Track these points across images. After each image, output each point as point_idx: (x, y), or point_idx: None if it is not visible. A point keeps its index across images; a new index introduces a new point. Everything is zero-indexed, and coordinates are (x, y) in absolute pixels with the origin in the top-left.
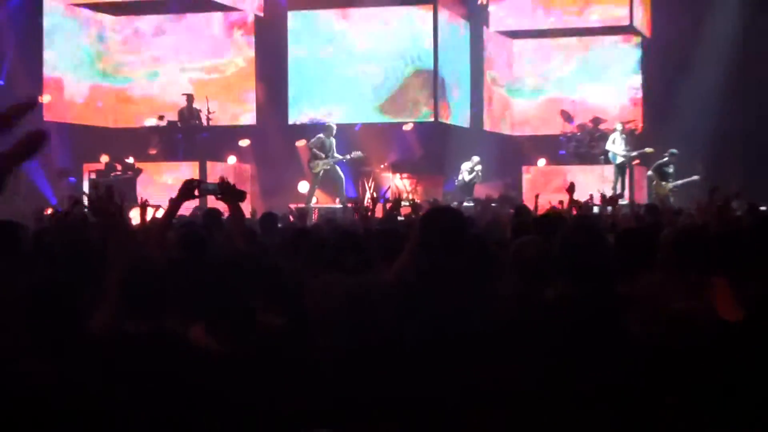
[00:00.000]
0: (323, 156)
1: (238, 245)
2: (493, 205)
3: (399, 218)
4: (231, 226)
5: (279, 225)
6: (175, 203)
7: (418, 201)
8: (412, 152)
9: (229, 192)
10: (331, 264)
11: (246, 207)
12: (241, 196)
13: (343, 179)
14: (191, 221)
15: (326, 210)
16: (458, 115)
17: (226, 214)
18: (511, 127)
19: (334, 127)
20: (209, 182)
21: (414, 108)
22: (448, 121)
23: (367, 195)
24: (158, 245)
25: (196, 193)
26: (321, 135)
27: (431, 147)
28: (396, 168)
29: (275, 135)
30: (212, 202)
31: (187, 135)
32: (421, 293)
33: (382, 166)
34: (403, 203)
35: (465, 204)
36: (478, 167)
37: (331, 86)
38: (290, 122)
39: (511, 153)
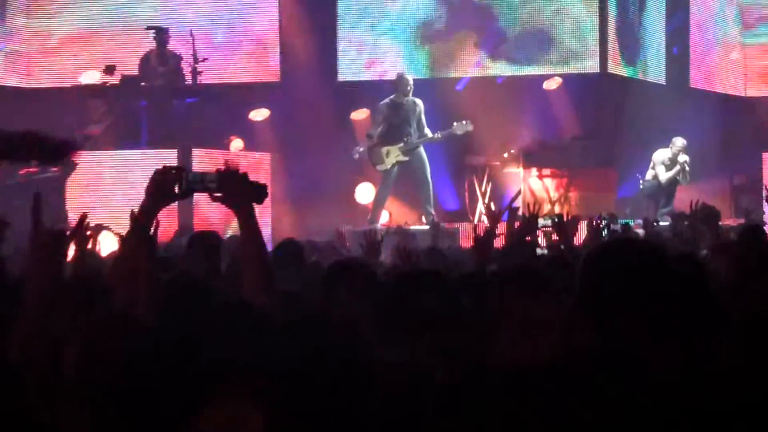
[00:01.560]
0: (397, 140)
1: (255, 296)
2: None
3: (537, 249)
4: (240, 255)
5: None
6: (146, 216)
7: (571, 216)
8: (559, 128)
9: (236, 186)
10: (417, 332)
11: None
12: (260, 193)
13: (429, 181)
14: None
15: (403, 234)
16: (646, 65)
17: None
18: (744, 86)
19: (410, 83)
20: (200, 172)
21: (559, 52)
22: (624, 74)
23: (480, 207)
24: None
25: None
26: (388, 101)
27: (595, 119)
28: (530, 158)
29: (314, 101)
30: (203, 209)
31: (157, 101)
32: (582, 390)
33: (505, 154)
34: (542, 222)
35: (661, 223)
36: (684, 158)
37: (404, 20)
38: (340, 79)
39: (743, 127)
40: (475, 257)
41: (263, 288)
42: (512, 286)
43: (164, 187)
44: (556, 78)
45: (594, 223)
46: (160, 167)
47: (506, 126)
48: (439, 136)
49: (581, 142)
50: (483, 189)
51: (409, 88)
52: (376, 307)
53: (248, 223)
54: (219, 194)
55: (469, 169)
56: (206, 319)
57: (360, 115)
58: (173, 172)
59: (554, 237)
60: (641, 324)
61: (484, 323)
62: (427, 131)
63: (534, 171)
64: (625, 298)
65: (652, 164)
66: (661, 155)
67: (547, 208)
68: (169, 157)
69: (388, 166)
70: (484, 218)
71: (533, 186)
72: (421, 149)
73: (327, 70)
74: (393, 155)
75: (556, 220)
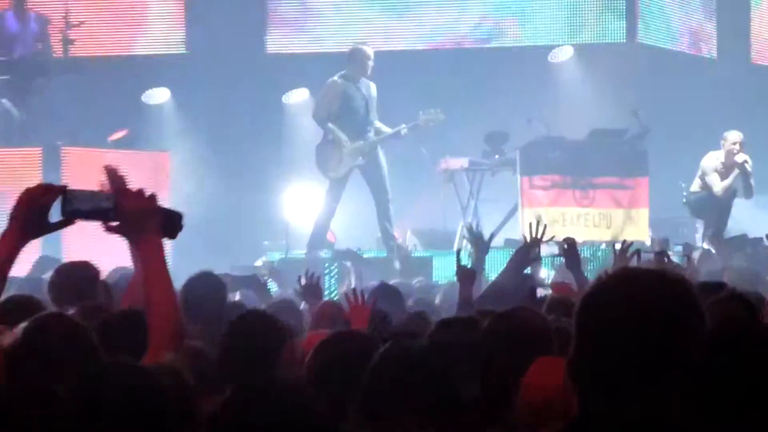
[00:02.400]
0: (353, 135)
1: (159, 356)
2: None
3: (539, 287)
4: (142, 302)
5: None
6: (6, 252)
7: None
8: (570, 118)
9: (141, 213)
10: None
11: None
12: (173, 224)
13: (389, 191)
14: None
15: (356, 261)
16: (689, 34)
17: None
18: None
19: (371, 58)
20: (89, 191)
21: (570, 14)
22: (660, 44)
23: (461, 228)
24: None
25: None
26: (339, 80)
27: (619, 106)
28: (530, 160)
29: (232, 80)
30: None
31: (13, 79)
32: None
33: (496, 156)
34: (547, 250)
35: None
36: (743, 157)
37: None
38: (270, 50)
39: None
40: (459, 296)
41: (170, 345)
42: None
43: (38, 214)
44: (566, 48)
45: (621, 251)
46: (34, 186)
47: (497, 114)
48: (405, 130)
49: (601, 139)
50: (465, 203)
51: (369, 64)
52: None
53: (154, 263)
54: (116, 224)
55: (446, 175)
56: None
57: (297, 97)
58: (52, 193)
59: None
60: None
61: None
62: (382, 126)
63: (536, 178)
64: (640, 354)
65: (700, 172)
66: (711, 160)
67: (554, 229)
68: (29, 160)
69: (342, 173)
70: (467, 243)
71: (535, 199)
72: (379, 150)
73: (251, 38)
74: (350, 158)
75: (566, 246)
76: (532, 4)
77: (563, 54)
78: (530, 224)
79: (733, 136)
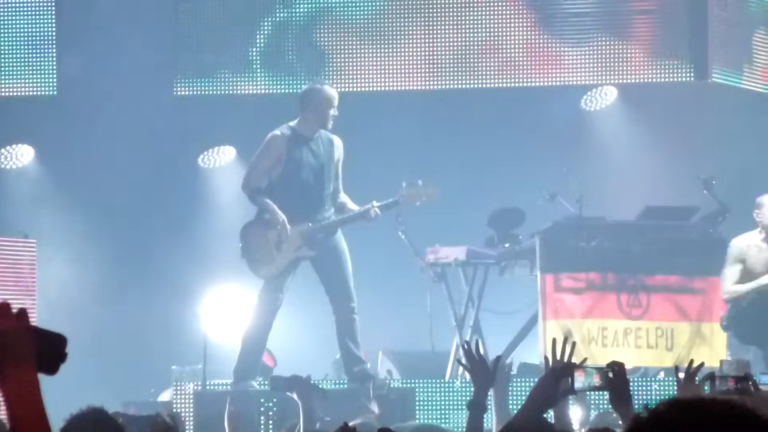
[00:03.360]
0: (299, 216)
1: None
2: None
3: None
4: None
5: None
6: None
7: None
8: (613, 190)
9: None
10: None
11: None
12: (51, 354)
13: (353, 296)
14: None
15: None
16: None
17: None
18: None
19: (335, 102)
20: None
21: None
22: (742, 83)
23: (455, 349)
24: None
25: None
26: (288, 132)
27: (685, 172)
28: (555, 252)
29: (126, 129)
30: None
31: None
32: None
33: (506, 244)
34: (581, 381)
35: None
36: None
37: None
38: (179, 92)
39: None
40: None
41: None
42: None
43: None
44: (607, 89)
45: (687, 377)
46: None
47: (508, 185)
48: (377, 210)
49: (658, 221)
50: (461, 312)
51: (330, 112)
52: None
53: (24, 405)
54: None
55: (434, 272)
56: None
57: (219, 158)
58: None
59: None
60: None
61: None
62: (347, 201)
63: (564, 277)
64: None
65: (737, 269)
66: (748, 246)
67: (591, 350)
68: None
69: (280, 269)
70: (463, 371)
71: (563, 306)
72: (339, 236)
73: (153, 73)
74: (293, 247)
75: (610, 375)
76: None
77: (603, 97)
78: (554, 341)
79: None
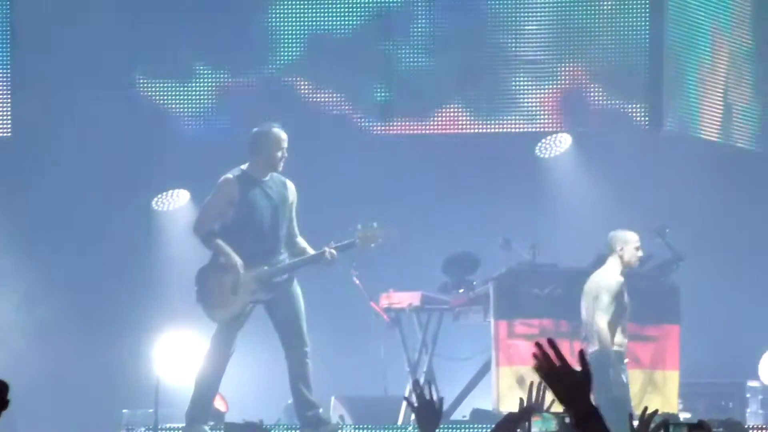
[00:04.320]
0: (254, 259)
1: None
2: None
3: None
4: None
5: None
6: None
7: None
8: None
9: None
10: None
11: None
12: None
13: (306, 340)
14: None
15: None
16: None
17: None
18: None
19: (284, 145)
20: None
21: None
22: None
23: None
24: None
25: None
26: (240, 174)
27: (642, 219)
28: (508, 298)
29: (70, 172)
30: None
31: None
32: None
33: (460, 290)
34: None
35: None
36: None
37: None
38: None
39: None
40: None
41: None
42: None
43: None
44: (562, 137)
45: (641, 425)
46: None
47: (462, 231)
48: (331, 252)
49: None
50: (415, 358)
51: (278, 155)
52: None
53: None
54: None
55: (388, 318)
56: None
57: (172, 201)
58: None
59: None
60: None
61: None
62: (303, 243)
63: (518, 323)
64: None
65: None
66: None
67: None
68: None
69: (235, 313)
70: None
71: (516, 353)
72: (294, 279)
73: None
74: (247, 290)
75: (567, 420)
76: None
77: (558, 144)
78: (531, 384)
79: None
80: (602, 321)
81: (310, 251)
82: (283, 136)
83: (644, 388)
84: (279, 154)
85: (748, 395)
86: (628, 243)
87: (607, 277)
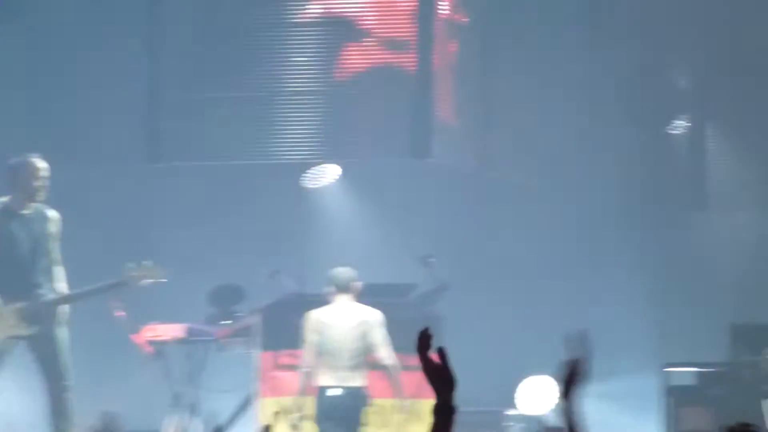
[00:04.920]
0: (12, 292)
1: None
2: None
3: None
4: None
5: None
6: None
7: None
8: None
9: None
10: None
11: None
12: None
13: (66, 385)
14: None
15: None
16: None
17: None
18: None
19: (38, 172)
20: None
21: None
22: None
23: None
24: None
25: None
26: None
27: (402, 244)
28: (274, 326)
29: None
30: None
31: None
32: None
33: (228, 321)
34: None
35: None
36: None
37: None
38: None
39: None
40: None
41: None
42: None
43: None
44: (331, 167)
45: None
46: None
47: (228, 262)
48: (99, 290)
49: (377, 298)
50: (180, 390)
51: (36, 184)
52: None
53: None
54: None
55: (152, 350)
56: None
57: None
58: None
59: None
60: None
61: None
62: (62, 278)
63: (284, 354)
64: None
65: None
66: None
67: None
68: None
69: None
70: None
71: (281, 384)
72: (56, 313)
73: None
74: (5, 325)
75: None
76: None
77: (326, 174)
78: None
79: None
80: (390, 350)
81: (65, 288)
82: (41, 165)
83: (407, 417)
84: (37, 184)
85: (507, 424)
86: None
87: (373, 312)
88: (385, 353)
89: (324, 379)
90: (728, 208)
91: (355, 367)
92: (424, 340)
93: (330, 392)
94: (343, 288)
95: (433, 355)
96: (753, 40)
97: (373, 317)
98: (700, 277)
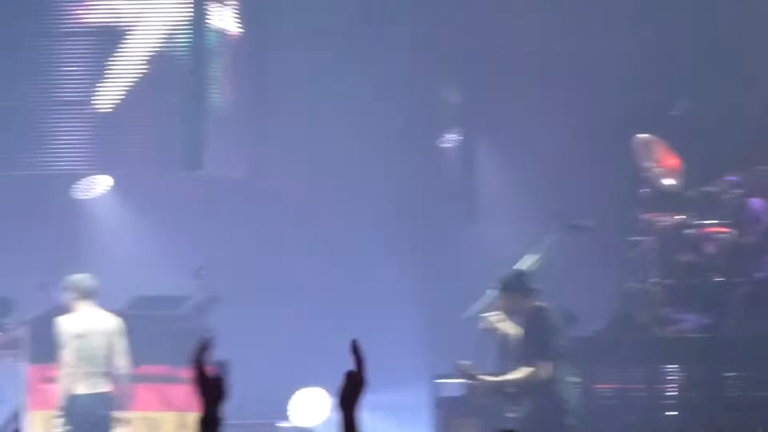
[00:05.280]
0: None
1: None
2: None
3: None
4: None
5: None
6: None
7: None
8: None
9: None
10: None
11: None
12: None
13: None
14: None
15: None
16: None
17: None
18: None
19: None
20: None
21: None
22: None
23: None
24: None
25: None
26: None
27: (174, 257)
28: (41, 350)
29: None
30: None
31: None
32: None
33: None
34: None
35: None
36: None
37: None
38: None
39: None
40: None
41: None
42: None
43: None
44: (102, 178)
45: None
46: None
47: None
48: None
49: (148, 310)
50: None
51: None
52: None
53: None
54: None
55: None
56: None
57: None
58: None
59: None
60: None
61: None
62: None
63: (52, 368)
64: None
65: None
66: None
67: None
68: None
69: None
70: None
71: (49, 397)
72: None
73: None
74: None
75: None
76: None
77: (98, 185)
78: None
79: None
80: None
81: None
82: None
83: (177, 429)
84: None
85: None
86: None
87: (116, 319)
88: (124, 362)
89: (78, 386)
90: (497, 220)
91: (106, 374)
92: (200, 352)
93: (81, 399)
94: (87, 294)
95: (209, 368)
96: (517, 56)
97: (117, 325)
98: (472, 289)
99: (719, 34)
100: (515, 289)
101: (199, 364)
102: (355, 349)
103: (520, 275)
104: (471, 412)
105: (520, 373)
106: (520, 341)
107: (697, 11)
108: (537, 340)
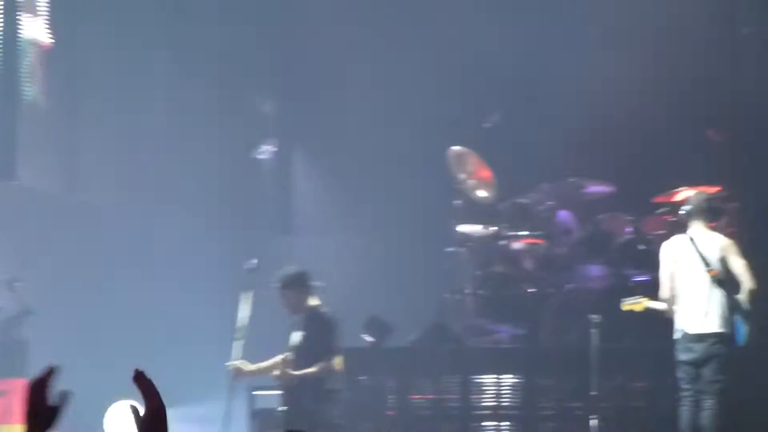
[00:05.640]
0: None
1: None
2: None
3: None
4: None
5: None
6: None
7: None
8: None
9: None
10: None
11: None
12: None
13: None
14: None
15: None
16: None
17: None
18: None
19: None
20: None
21: None
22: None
23: None
24: None
25: None
26: None
27: None
28: None
29: None
30: None
31: None
32: None
33: None
34: None
35: None
36: None
37: None
38: None
39: None
40: None
41: None
42: None
43: None
44: None
45: None
46: None
47: None
48: None
49: None
50: None
51: None
52: None
53: None
54: None
55: None
56: None
57: None
58: None
59: None
60: None
61: None
62: None
63: None
64: None
65: None
66: None
67: None
68: None
69: None
70: None
71: None
72: None
73: None
74: None
75: None
76: None
77: None
78: None
79: None
80: None
81: None
82: None
83: None
84: None
85: None
86: None
87: None
88: None
89: None
90: (311, 231)
91: None
92: (45, 377)
93: None
94: None
95: (47, 396)
96: (333, 68)
97: None
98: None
99: (529, 47)
100: (293, 287)
101: (39, 388)
102: (139, 379)
103: (300, 273)
104: (285, 424)
105: (314, 367)
106: (303, 339)
107: (505, 25)
108: (320, 338)
